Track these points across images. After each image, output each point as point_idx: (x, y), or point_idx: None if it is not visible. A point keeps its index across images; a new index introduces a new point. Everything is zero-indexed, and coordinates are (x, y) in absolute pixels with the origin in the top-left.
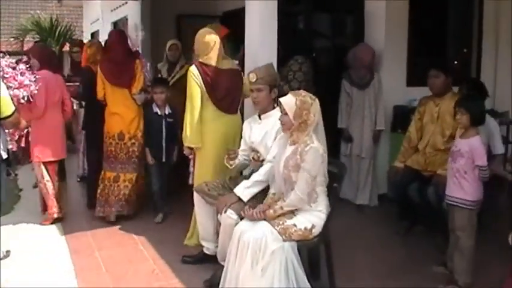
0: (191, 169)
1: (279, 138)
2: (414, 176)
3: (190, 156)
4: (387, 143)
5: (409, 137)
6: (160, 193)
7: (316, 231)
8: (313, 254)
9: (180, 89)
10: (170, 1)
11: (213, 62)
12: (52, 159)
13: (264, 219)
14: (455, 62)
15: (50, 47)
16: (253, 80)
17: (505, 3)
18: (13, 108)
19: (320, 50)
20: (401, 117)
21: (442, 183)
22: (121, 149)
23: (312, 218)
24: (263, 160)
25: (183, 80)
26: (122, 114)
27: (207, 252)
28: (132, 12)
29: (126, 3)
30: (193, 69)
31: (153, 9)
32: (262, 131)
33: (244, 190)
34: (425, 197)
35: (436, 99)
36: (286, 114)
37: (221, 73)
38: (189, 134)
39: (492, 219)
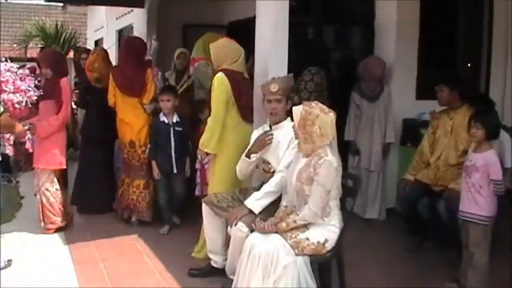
0: (198, 180)
1: (292, 148)
2: (424, 191)
3: (198, 166)
4: (396, 157)
5: (422, 151)
6: (167, 206)
7: (329, 245)
8: (324, 268)
9: (187, 98)
10: (177, 10)
11: (241, 69)
12: (60, 167)
13: (276, 232)
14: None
15: (59, 52)
16: (275, 90)
17: None
18: None
19: (329, 62)
20: (411, 130)
21: (454, 197)
22: (133, 156)
23: (325, 232)
24: (274, 172)
25: (190, 89)
26: (132, 123)
27: (214, 265)
28: (137, 21)
29: (132, 11)
30: (221, 76)
31: (160, 18)
32: (274, 142)
33: (255, 202)
34: (435, 211)
35: (450, 112)
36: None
37: (245, 81)
38: (211, 140)
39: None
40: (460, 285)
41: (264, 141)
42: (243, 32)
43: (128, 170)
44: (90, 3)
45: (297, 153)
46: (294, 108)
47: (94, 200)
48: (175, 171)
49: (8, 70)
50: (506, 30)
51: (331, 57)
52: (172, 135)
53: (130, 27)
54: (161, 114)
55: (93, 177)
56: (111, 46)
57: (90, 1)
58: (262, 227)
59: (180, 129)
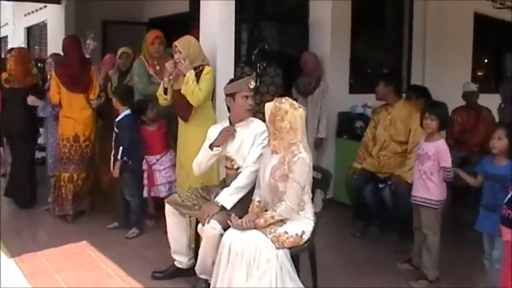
0: (145, 182)
1: (258, 144)
2: (370, 178)
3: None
4: (332, 150)
5: (365, 143)
6: (138, 207)
7: (306, 236)
8: (293, 258)
9: None
10: (95, 7)
11: None
12: None
13: (254, 228)
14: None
15: None
16: (253, 87)
17: (431, 17)
18: None
19: (266, 58)
20: (346, 123)
21: (399, 183)
22: (75, 150)
23: (302, 225)
24: (238, 168)
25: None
26: (78, 118)
27: (179, 265)
28: (52, 17)
29: (45, 7)
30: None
31: (77, 14)
32: (238, 139)
33: (227, 198)
34: (380, 197)
35: (388, 107)
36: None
37: None
38: None
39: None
40: (412, 264)
41: (228, 134)
42: (165, 29)
43: (67, 164)
44: None
45: (267, 150)
46: (266, 104)
47: (21, 194)
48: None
49: None
50: (423, 29)
51: (267, 54)
52: (114, 134)
53: (43, 25)
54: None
55: (19, 172)
56: (19, 45)
57: None
58: (239, 223)
59: (116, 130)
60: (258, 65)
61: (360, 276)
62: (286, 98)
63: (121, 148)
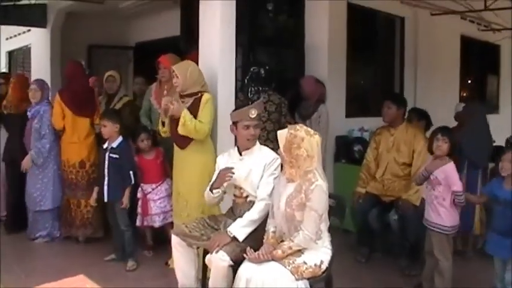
0: (139, 210)
1: (270, 175)
2: (374, 202)
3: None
4: (331, 174)
5: (367, 165)
6: (128, 237)
7: (324, 266)
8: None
9: None
10: (81, 31)
11: None
12: None
13: (271, 260)
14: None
15: None
16: (254, 116)
17: (421, 40)
18: None
19: (264, 82)
20: (344, 147)
21: (406, 207)
22: (82, 176)
23: (320, 254)
24: (247, 196)
25: (121, 112)
26: (83, 143)
27: None
28: (37, 41)
29: (29, 30)
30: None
31: (63, 38)
32: (246, 168)
33: (240, 229)
34: (384, 222)
35: (390, 129)
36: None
37: None
38: None
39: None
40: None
41: (224, 178)
42: (153, 53)
43: (75, 190)
44: None
45: (281, 178)
46: (279, 132)
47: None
48: (105, 199)
49: None
50: (414, 52)
51: (262, 79)
52: (106, 161)
53: (26, 49)
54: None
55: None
56: (0, 69)
57: None
58: (256, 256)
59: (115, 156)
60: (250, 89)
61: None
62: (301, 125)
63: (131, 173)
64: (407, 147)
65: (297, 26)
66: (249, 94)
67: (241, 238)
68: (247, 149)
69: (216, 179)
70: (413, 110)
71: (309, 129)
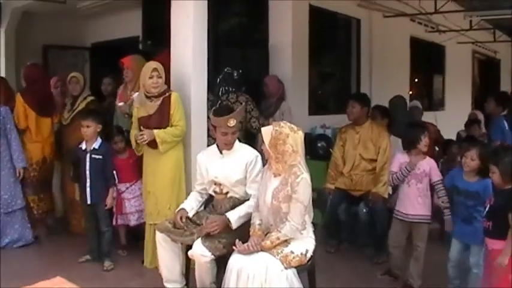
0: (113, 209)
1: (262, 171)
2: (343, 196)
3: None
4: None
5: (335, 162)
6: (107, 237)
7: (309, 255)
8: None
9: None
10: (36, 31)
11: None
12: None
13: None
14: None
15: None
16: (232, 125)
17: (375, 40)
18: None
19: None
20: (308, 144)
21: (377, 200)
22: (43, 172)
23: (305, 244)
24: (227, 193)
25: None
26: (44, 141)
27: None
28: None
29: None
30: None
31: (17, 38)
32: (227, 166)
33: (238, 219)
34: (352, 215)
35: (355, 127)
36: (263, 143)
37: None
38: None
39: None
40: (392, 275)
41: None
42: (107, 54)
43: (36, 187)
44: None
45: (266, 173)
46: (263, 129)
47: None
48: (88, 201)
49: None
50: (369, 52)
51: (231, 79)
52: (88, 163)
53: None
54: (100, 140)
55: None
56: None
57: None
58: (245, 248)
59: (98, 157)
60: (221, 89)
61: None
62: (285, 121)
63: (115, 173)
64: (373, 144)
65: (261, 27)
66: (219, 94)
67: (234, 226)
68: (228, 148)
69: (210, 220)
70: (376, 108)
71: (293, 125)
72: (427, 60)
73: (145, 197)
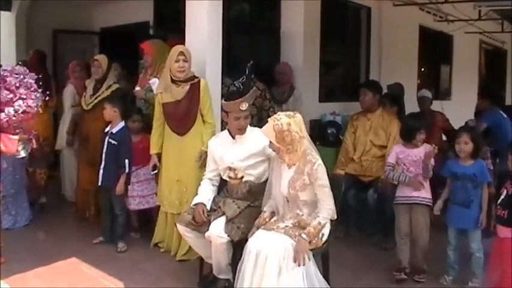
0: (130, 193)
1: (272, 162)
2: (353, 182)
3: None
4: None
5: (346, 149)
6: (120, 219)
7: (324, 239)
8: None
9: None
10: (46, 15)
11: None
12: None
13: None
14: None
15: None
16: (244, 109)
17: (385, 29)
18: None
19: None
20: (318, 130)
21: (385, 186)
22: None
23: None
24: (242, 177)
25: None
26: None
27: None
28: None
29: None
30: None
31: (28, 23)
32: (242, 150)
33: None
34: (362, 201)
35: (367, 114)
36: (270, 143)
37: None
38: None
39: None
40: (406, 273)
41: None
42: (116, 39)
43: (31, 160)
44: None
45: (280, 165)
46: (262, 130)
47: None
48: (99, 183)
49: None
50: (379, 41)
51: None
52: (105, 146)
53: None
54: (122, 124)
55: None
56: None
57: None
58: (300, 258)
59: (114, 142)
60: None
61: (362, 273)
62: (278, 112)
63: (127, 161)
64: (383, 131)
65: (273, 15)
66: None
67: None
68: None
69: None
70: (386, 96)
71: (287, 112)
72: (434, 49)
73: (170, 185)
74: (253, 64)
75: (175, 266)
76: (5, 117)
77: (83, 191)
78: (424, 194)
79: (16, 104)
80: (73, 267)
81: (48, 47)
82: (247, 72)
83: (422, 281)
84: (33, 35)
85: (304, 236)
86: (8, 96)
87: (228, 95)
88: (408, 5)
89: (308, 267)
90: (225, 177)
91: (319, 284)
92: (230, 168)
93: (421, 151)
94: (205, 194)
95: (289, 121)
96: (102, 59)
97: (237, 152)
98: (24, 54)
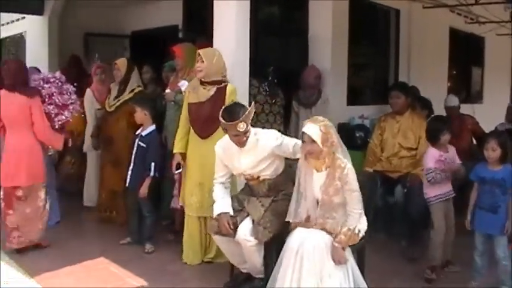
0: (175, 192)
1: (298, 168)
2: (381, 180)
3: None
4: None
5: (373, 149)
6: (147, 221)
7: (361, 235)
8: None
9: (125, 113)
10: (78, 18)
11: None
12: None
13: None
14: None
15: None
16: (242, 129)
17: (414, 31)
18: None
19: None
20: (346, 133)
21: (414, 180)
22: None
23: (358, 225)
24: (258, 177)
25: (129, 104)
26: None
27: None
28: (32, 29)
29: (23, 18)
30: None
31: (61, 26)
32: (250, 158)
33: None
34: (389, 201)
35: (396, 116)
36: (313, 142)
37: None
38: None
39: None
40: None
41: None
42: (147, 42)
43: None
44: None
45: (307, 170)
46: (309, 131)
47: None
48: (127, 184)
49: (47, 81)
50: (408, 43)
51: (268, 68)
52: (135, 148)
53: (19, 36)
54: (153, 127)
55: None
56: None
57: None
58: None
59: (143, 144)
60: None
61: (386, 280)
62: (316, 116)
63: (153, 164)
64: (413, 134)
65: (301, 17)
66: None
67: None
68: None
69: (218, 224)
70: (416, 99)
71: (319, 117)
72: (465, 51)
73: (193, 189)
74: (274, 69)
75: (202, 267)
76: (64, 119)
77: (106, 191)
78: (450, 187)
79: (70, 107)
80: (102, 266)
81: (79, 50)
82: (269, 78)
83: (457, 270)
84: (65, 39)
85: (336, 244)
86: (69, 101)
87: (224, 115)
88: (438, 7)
89: (351, 267)
90: (241, 179)
91: (357, 279)
92: (244, 173)
93: (451, 153)
94: (224, 200)
95: (329, 124)
96: (120, 62)
97: (245, 161)
98: (57, 57)
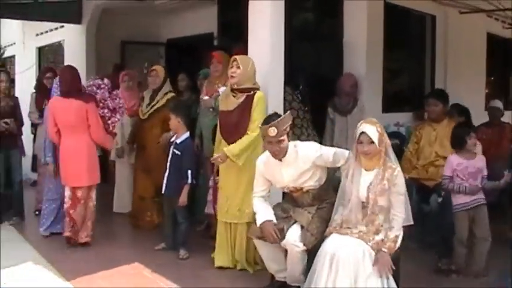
0: (209, 197)
1: (347, 168)
2: (416, 188)
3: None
4: None
5: (408, 158)
6: (182, 228)
7: (399, 242)
8: None
9: (159, 120)
10: (114, 27)
11: None
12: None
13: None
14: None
15: None
16: (273, 135)
17: (451, 37)
18: None
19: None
20: None
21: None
22: None
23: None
24: (301, 188)
25: (162, 110)
26: None
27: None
28: (70, 37)
29: (62, 27)
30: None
31: (98, 34)
32: (291, 172)
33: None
34: (423, 209)
35: (433, 124)
36: (371, 142)
37: None
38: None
39: None
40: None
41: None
42: (182, 50)
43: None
44: (19, 18)
45: (355, 169)
46: (368, 132)
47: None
48: (163, 191)
49: (99, 87)
50: (445, 49)
51: (302, 74)
52: (170, 155)
53: (58, 45)
54: (187, 135)
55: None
56: (31, 66)
57: (19, 15)
58: (385, 271)
59: (177, 152)
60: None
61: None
62: (370, 118)
63: (190, 172)
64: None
65: (335, 23)
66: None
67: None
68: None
69: (263, 231)
70: (454, 106)
71: (372, 118)
72: (504, 57)
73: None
74: (308, 75)
75: (235, 274)
76: (116, 121)
77: (139, 198)
78: (479, 195)
79: (120, 110)
80: (136, 271)
81: (116, 58)
82: (300, 86)
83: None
84: (102, 47)
85: (384, 250)
86: (119, 105)
87: (264, 119)
88: (475, 12)
89: (386, 277)
90: (285, 190)
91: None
92: (288, 187)
93: (478, 162)
94: (267, 209)
95: (380, 124)
96: (159, 69)
97: (287, 174)
98: (94, 65)
